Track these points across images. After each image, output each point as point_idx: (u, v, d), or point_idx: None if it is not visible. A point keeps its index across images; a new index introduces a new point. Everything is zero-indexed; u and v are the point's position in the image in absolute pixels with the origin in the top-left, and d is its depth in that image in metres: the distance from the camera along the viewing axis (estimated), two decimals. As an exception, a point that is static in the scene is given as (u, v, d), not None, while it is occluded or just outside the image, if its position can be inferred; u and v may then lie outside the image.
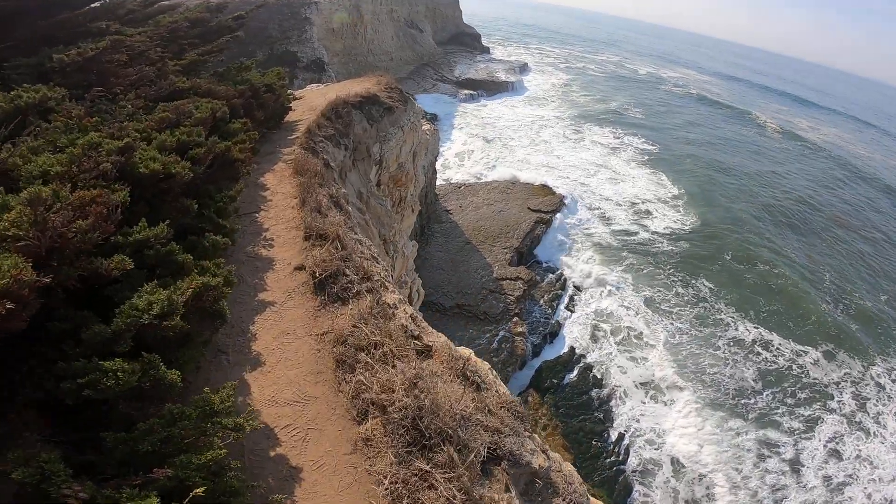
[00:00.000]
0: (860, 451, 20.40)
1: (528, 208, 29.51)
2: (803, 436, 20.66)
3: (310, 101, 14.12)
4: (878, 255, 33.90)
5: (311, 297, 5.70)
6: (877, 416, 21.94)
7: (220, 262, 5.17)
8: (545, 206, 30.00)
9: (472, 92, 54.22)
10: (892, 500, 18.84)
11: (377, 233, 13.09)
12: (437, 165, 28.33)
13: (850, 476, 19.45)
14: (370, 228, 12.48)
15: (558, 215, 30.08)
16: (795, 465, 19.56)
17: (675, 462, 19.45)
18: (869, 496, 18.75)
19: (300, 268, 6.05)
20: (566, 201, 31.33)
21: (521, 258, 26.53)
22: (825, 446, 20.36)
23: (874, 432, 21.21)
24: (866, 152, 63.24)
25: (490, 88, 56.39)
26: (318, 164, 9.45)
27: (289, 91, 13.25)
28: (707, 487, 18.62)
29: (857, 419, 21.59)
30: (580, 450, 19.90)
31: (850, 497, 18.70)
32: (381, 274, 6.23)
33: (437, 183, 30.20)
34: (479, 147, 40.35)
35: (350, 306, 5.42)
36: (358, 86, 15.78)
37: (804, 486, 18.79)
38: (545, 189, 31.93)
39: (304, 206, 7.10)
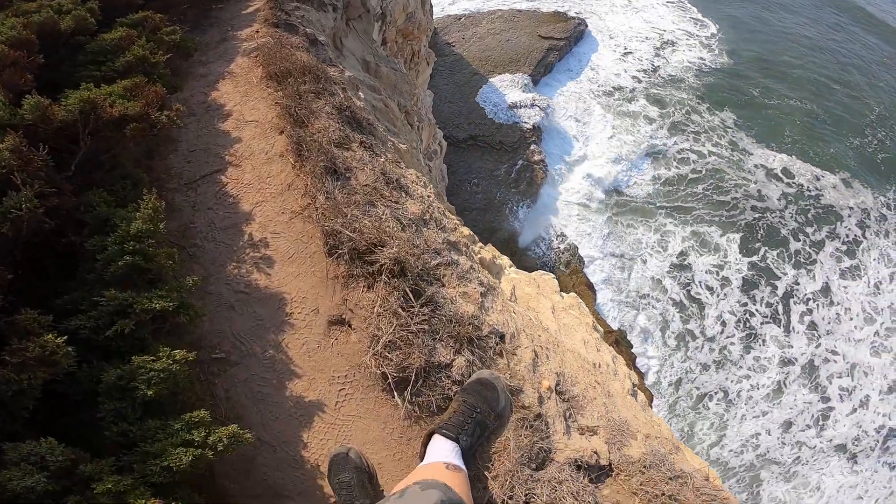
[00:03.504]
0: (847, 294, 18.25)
1: (539, 35, 23.79)
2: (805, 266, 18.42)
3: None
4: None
5: (382, 394, 2.58)
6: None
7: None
8: (557, 32, 24.14)
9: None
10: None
11: (396, 106, 9.15)
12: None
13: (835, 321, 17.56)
14: (389, 106, 8.55)
15: (572, 42, 24.20)
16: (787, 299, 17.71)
17: (678, 303, 17.65)
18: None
19: (337, 322, 2.78)
20: (581, 27, 25.04)
21: (536, 85, 21.90)
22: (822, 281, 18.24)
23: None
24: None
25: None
26: (301, 50, 5.45)
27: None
28: (705, 325, 17.07)
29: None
30: (602, 285, 18.14)
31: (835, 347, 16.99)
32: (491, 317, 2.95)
33: (434, 16, 24.02)
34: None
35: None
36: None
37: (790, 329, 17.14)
38: (556, 16, 25.50)
39: (303, 163, 3.50)
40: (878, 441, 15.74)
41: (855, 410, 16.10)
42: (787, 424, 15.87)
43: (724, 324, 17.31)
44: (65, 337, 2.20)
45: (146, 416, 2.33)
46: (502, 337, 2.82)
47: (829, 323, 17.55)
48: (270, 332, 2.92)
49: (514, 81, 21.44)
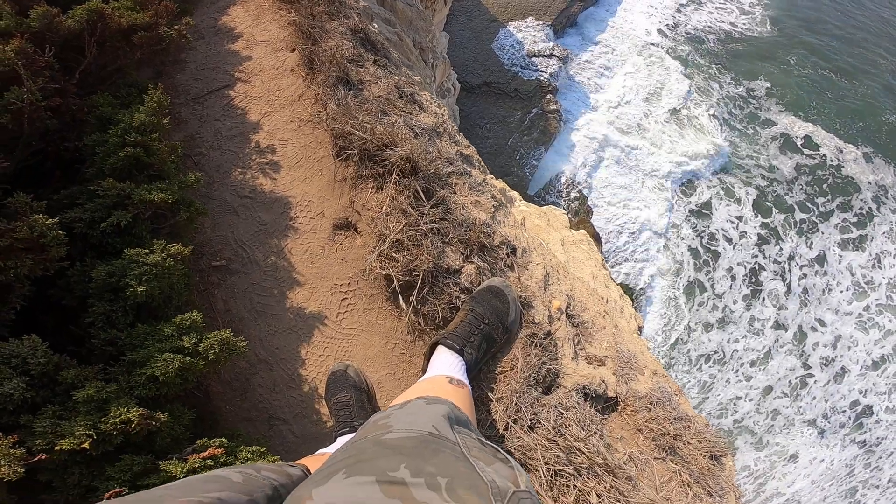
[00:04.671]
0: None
1: (564, -16, 22.47)
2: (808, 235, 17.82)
3: None
4: None
5: (386, 304, 2.48)
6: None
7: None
8: (583, -18, 22.82)
9: None
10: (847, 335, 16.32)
11: (411, 42, 8.76)
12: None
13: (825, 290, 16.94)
14: (404, 40, 8.18)
15: None
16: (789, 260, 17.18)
17: (695, 253, 17.27)
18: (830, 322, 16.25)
19: (343, 226, 2.66)
20: None
21: (557, 35, 20.97)
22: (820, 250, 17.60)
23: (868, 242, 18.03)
24: None
25: None
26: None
27: None
28: (709, 283, 16.70)
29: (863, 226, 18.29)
30: (609, 236, 17.86)
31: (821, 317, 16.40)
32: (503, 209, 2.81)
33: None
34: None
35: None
36: None
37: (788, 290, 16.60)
38: None
39: (314, 75, 3.30)
40: (850, 417, 15.66)
41: (831, 383, 15.97)
42: (768, 390, 15.81)
43: (733, 277, 17.09)
44: (55, 219, 2.06)
45: (137, 322, 2.17)
46: (514, 250, 2.68)
47: (822, 292, 17.25)
48: (273, 237, 2.80)
49: (534, 30, 20.55)
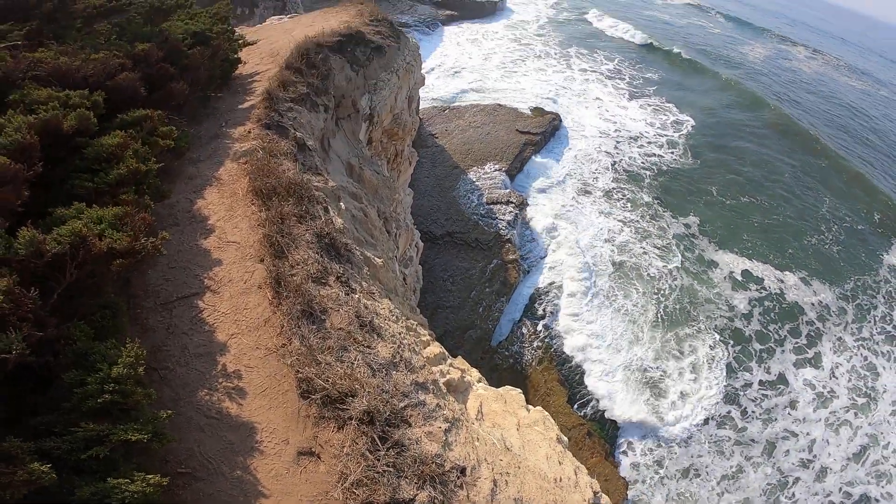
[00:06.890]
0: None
1: (517, 130, 25.80)
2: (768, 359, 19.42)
3: (270, 44, 9.84)
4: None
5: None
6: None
7: None
8: (533, 127, 26.33)
9: (453, 13, 45.73)
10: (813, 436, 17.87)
11: (376, 213, 9.69)
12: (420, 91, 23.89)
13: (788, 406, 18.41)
14: (369, 216, 9.06)
15: (548, 136, 26.37)
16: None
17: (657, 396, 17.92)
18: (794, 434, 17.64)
19: (307, 454, 2.96)
20: (556, 122, 27.38)
21: (512, 180, 23.29)
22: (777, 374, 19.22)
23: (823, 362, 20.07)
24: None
25: (474, 10, 47.43)
26: (289, 158, 5.96)
27: (237, 35, 8.94)
28: (688, 434, 17.43)
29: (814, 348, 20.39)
30: (574, 381, 18.22)
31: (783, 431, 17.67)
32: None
33: (421, 106, 25.94)
34: (459, 71, 34.28)
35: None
36: (334, 19, 11.31)
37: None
38: (533, 110, 28.04)
39: (280, 301, 3.81)
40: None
41: (816, 481, 16.63)
42: (747, 501, 16.07)
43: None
44: (49, 465, 2.39)
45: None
46: (463, 470, 3.03)
47: (784, 408, 18.27)
48: (239, 455, 3.06)
49: (492, 177, 22.72)
